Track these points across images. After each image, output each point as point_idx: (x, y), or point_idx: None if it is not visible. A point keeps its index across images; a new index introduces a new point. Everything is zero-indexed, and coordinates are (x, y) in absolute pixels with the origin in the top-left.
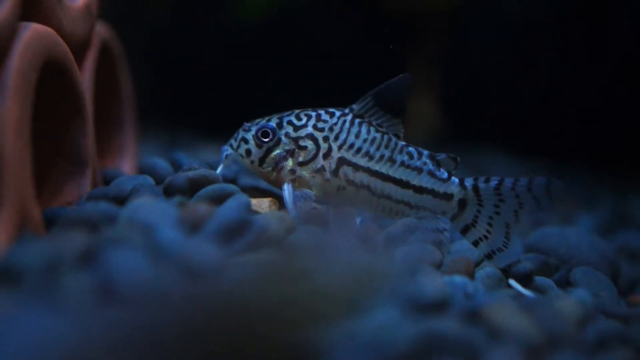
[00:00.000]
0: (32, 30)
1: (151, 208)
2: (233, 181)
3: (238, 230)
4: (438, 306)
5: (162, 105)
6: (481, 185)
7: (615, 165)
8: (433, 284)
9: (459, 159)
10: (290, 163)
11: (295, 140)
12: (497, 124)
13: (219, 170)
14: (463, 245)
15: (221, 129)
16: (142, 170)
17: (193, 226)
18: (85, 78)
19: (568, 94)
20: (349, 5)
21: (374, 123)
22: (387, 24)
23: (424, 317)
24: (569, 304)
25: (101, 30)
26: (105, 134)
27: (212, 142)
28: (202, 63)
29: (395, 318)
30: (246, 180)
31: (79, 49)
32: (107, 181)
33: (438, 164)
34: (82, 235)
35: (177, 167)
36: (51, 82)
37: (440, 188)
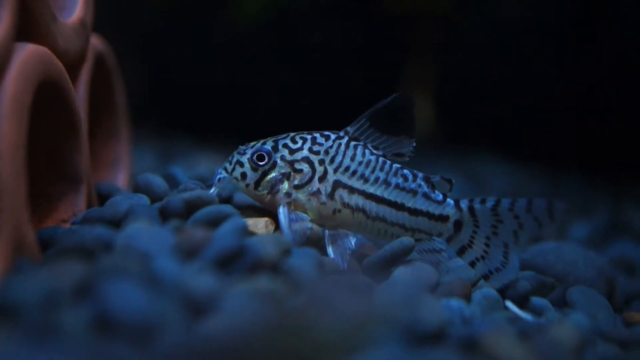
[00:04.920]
0: (27, 52)
1: (147, 234)
2: (228, 200)
3: (234, 256)
4: (436, 336)
5: (157, 113)
6: (477, 206)
7: (611, 172)
8: (430, 312)
9: (453, 180)
10: (286, 186)
11: (291, 163)
12: (493, 129)
13: (211, 192)
14: (460, 264)
15: (216, 136)
16: (137, 187)
17: (189, 253)
18: (80, 93)
19: (565, 100)
20: (347, 8)
21: (369, 145)
22: (385, 26)
23: (422, 349)
24: (566, 330)
25: (95, 43)
26: (99, 145)
27: (208, 150)
28: (198, 69)
29: (394, 354)
30: (242, 198)
31: (74, 64)
32: (101, 196)
33: (433, 186)
34: (78, 266)
35: (172, 182)
36: (46, 100)
37: (436, 210)
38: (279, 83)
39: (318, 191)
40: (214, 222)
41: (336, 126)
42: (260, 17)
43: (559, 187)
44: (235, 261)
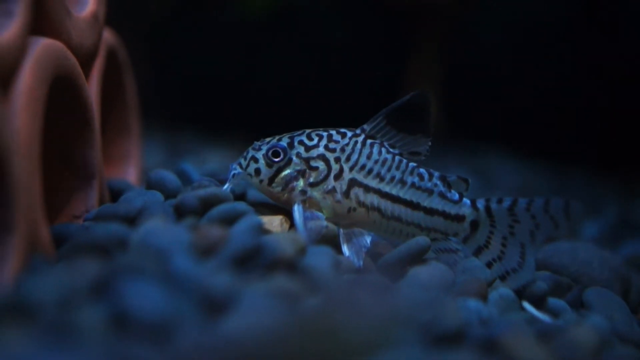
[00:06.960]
0: (41, 47)
1: (163, 232)
2: (242, 196)
3: (251, 255)
4: (455, 337)
5: (165, 107)
6: (493, 206)
7: (620, 169)
8: (449, 313)
9: (470, 180)
10: (301, 183)
11: (307, 160)
12: (502, 125)
13: (225, 187)
14: (475, 263)
15: (224, 131)
16: (150, 183)
17: (206, 251)
18: (93, 88)
19: (574, 96)
20: (352, 2)
21: (385, 144)
22: (389, 21)
23: (442, 350)
24: (584, 332)
25: (107, 37)
26: (110, 140)
27: (216, 145)
28: (205, 63)
29: (415, 355)
30: (255, 195)
31: (87, 59)
32: (113, 192)
33: (449, 186)
34: (94, 264)
35: (184, 179)
36: (59, 95)
37: (452, 210)
38: (285, 77)
39: (333, 189)
40: (230, 220)
41: (339, 119)
42: (266, 11)
43: (567, 184)
44: (252, 260)
